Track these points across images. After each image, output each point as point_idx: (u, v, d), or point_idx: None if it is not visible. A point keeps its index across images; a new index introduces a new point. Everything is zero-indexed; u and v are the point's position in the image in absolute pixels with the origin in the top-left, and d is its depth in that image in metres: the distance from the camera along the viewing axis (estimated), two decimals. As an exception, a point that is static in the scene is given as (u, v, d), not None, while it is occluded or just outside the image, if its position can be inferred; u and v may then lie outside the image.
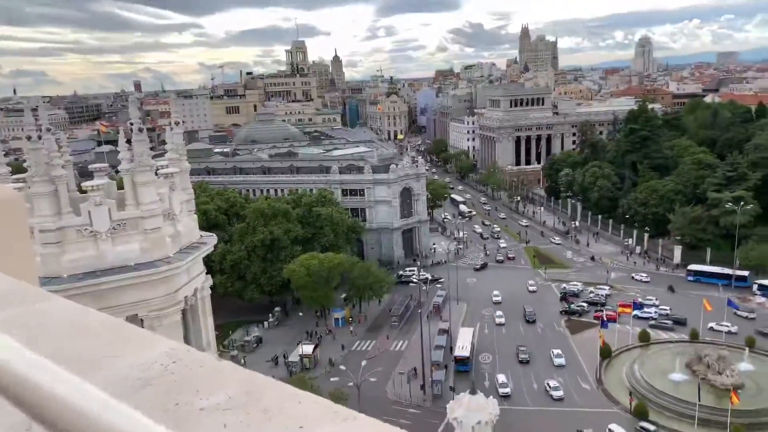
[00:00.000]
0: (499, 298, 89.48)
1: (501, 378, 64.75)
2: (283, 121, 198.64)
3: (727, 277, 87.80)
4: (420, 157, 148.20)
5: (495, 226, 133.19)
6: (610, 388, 64.68)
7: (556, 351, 71.26)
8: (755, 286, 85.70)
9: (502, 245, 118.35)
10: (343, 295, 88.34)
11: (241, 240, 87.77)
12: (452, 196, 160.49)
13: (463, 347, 70.66)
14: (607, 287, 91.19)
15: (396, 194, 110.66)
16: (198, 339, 23.35)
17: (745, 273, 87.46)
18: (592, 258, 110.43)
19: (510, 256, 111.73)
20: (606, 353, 69.44)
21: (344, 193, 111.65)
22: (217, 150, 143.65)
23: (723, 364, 61.90)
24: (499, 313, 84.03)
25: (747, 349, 67.13)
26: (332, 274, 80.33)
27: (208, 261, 24.58)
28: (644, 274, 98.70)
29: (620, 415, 59.68)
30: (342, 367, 63.02)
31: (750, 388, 60.16)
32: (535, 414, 60.45)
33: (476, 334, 77.78)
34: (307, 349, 74.79)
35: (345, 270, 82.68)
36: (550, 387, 63.55)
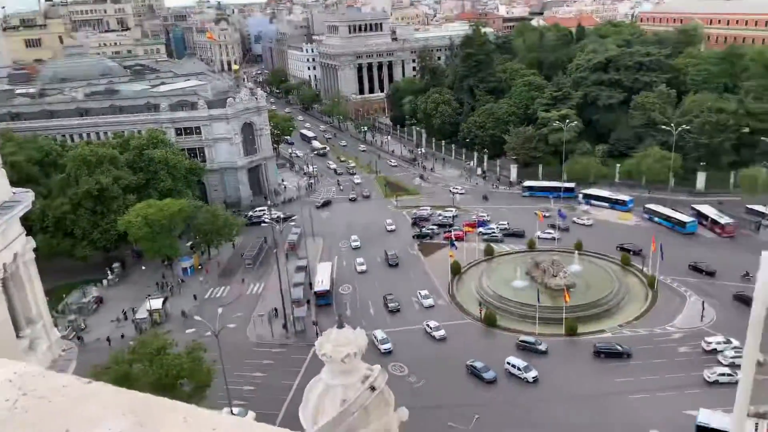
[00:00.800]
0: (358, 243, 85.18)
1: (379, 334, 60.59)
2: (98, 54, 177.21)
3: (557, 189, 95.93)
4: (259, 88, 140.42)
5: (350, 161, 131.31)
6: (462, 301, 68.94)
7: (424, 292, 69.81)
8: (580, 196, 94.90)
9: (357, 181, 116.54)
10: (189, 243, 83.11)
11: (62, 193, 79.04)
12: (302, 131, 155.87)
13: (322, 282, 70.35)
14: (454, 209, 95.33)
15: (237, 130, 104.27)
16: (26, 310, 19.90)
17: (572, 185, 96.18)
18: (421, 177, 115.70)
19: (365, 194, 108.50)
20: (456, 270, 73.47)
21: (178, 132, 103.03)
22: (19, 91, 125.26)
23: (556, 268, 68.64)
24: (360, 260, 79.30)
25: (576, 252, 74.56)
26: (174, 221, 75.33)
27: (25, 220, 20.37)
28: (460, 188, 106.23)
29: (473, 324, 63.95)
30: (197, 318, 59.27)
31: (580, 286, 67.63)
32: (405, 334, 62.14)
33: (335, 267, 77.49)
34: (156, 303, 70.09)
35: (188, 216, 78.17)
36: (431, 328, 62.46)
